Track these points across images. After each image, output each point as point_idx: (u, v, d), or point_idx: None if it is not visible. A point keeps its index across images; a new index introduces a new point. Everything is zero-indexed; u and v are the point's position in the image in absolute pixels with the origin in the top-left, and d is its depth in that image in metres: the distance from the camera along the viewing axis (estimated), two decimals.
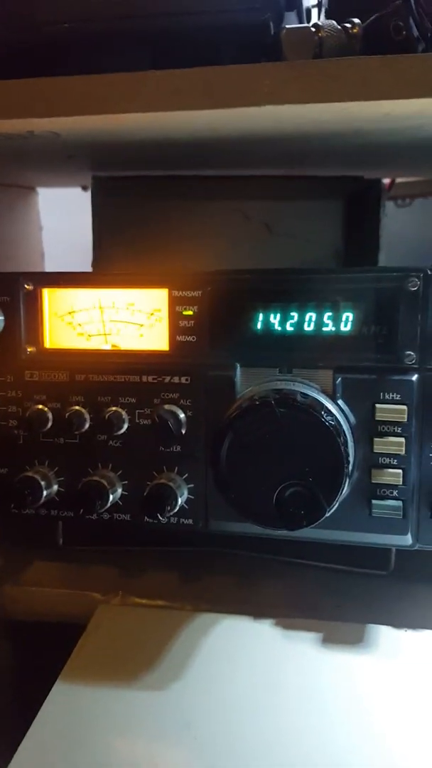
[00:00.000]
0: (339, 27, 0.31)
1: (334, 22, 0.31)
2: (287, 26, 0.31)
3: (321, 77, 0.29)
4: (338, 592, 0.48)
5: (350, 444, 0.37)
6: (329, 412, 0.36)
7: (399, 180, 0.81)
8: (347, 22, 0.31)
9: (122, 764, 0.34)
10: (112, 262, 0.65)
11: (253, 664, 0.41)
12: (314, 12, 0.45)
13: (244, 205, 0.68)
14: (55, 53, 0.33)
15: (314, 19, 0.46)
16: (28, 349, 0.42)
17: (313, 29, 0.30)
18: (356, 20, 0.31)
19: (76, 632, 0.46)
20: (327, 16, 0.36)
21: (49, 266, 0.87)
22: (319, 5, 0.49)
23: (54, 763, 0.35)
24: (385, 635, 0.43)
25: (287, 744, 0.35)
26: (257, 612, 0.45)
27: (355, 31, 0.31)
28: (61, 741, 0.36)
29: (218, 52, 0.31)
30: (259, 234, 0.69)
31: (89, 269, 0.84)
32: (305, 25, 0.30)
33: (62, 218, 0.90)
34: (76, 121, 0.32)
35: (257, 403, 0.36)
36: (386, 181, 0.76)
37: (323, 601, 0.46)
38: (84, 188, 0.84)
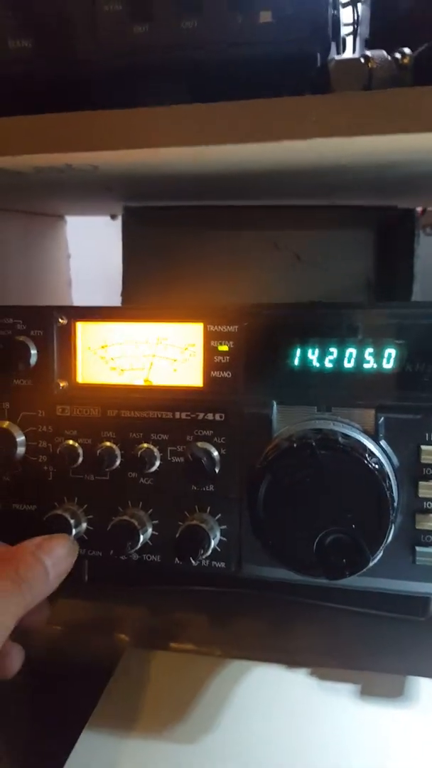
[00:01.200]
0: (389, 58, 0.30)
1: (383, 52, 0.30)
2: (336, 58, 0.30)
3: (371, 109, 0.28)
4: (374, 639, 0.45)
5: (394, 487, 0.35)
6: (372, 454, 0.35)
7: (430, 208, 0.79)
8: (397, 52, 0.30)
9: None
10: (141, 293, 0.64)
11: (286, 717, 0.39)
12: (349, 40, 0.45)
13: (274, 235, 0.67)
14: (94, 87, 0.33)
15: (349, 46, 0.45)
16: (61, 384, 0.42)
17: (362, 60, 0.29)
18: (407, 50, 0.30)
19: (102, 673, 0.44)
20: (369, 45, 0.36)
21: (76, 294, 0.87)
22: (354, 33, 0.48)
23: None
24: (424, 688, 0.40)
25: None
26: (290, 660, 0.43)
27: (405, 61, 0.30)
28: None
29: (263, 84, 0.30)
30: (290, 263, 0.68)
31: (116, 297, 0.84)
32: (355, 56, 0.30)
33: (89, 245, 0.90)
34: (116, 155, 0.32)
35: (296, 444, 0.34)
36: (418, 209, 0.75)
37: (358, 649, 0.44)
38: (113, 217, 0.84)
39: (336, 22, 0.33)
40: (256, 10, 0.29)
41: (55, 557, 0.36)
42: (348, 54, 0.48)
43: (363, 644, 0.45)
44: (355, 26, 0.53)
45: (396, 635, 0.45)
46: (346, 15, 0.51)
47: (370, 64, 0.29)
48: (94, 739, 0.38)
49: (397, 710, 0.39)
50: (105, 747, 0.37)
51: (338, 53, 0.39)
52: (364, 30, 0.42)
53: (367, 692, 0.40)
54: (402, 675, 0.41)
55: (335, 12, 0.33)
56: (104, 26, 0.30)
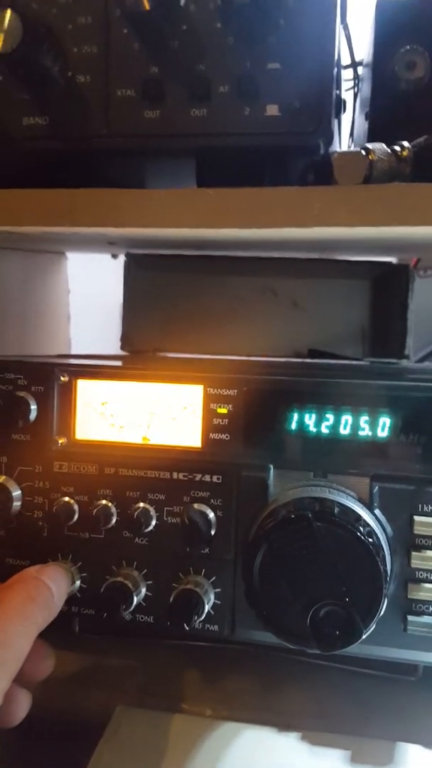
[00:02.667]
0: (389, 150, 0.31)
1: (383, 145, 0.31)
2: (338, 150, 0.31)
3: (371, 203, 0.29)
4: (365, 700, 0.45)
5: (388, 558, 0.36)
6: (367, 525, 0.35)
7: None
8: (397, 145, 0.31)
9: None
10: (141, 338, 0.65)
11: None
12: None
13: (272, 282, 0.68)
14: (105, 165, 0.34)
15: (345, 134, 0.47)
16: (59, 441, 0.42)
17: (363, 153, 0.31)
18: (405, 144, 0.31)
19: (91, 730, 0.44)
20: (370, 135, 0.37)
21: (75, 330, 0.87)
22: (352, 128, 0.50)
23: None
24: (414, 755, 0.40)
25: None
26: (280, 721, 0.43)
27: (404, 154, 0.31)
28: None
29: (267, 171, 0.31)
30: (287, 310, 0.69)
31: (114, 329, 0.84)
32: (356, 149, 0.31)
33: (88, 280, 0.91)
34: (124, 231, 0.33)
35: (293, 515, 0.35)
36: (412, 260, 0.76)
37: (350, 711, 0.44)
38: (114, 256, 0.85)
39: (339, 107, 0.35)
40: (264, 103, 0.30)
41: (56, 581, 0.36)
42: (348, 114, 0.50)
43: (354, 705, 0.45)
44: (356, 86, 0.55)
45: (387, 696, 0.45)
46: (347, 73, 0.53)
47: (370, 156, 0.30)
48: None
49: None
50: None
51: (339, 125, 0.40)
52: (365, 91, 0.44)
53: (359, 760, 0.40)
54: (392, 741, 0.41)
55: (338, 96, 0.35)
56: (117, 109, 0.32)
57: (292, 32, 0.30)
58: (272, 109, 0.30)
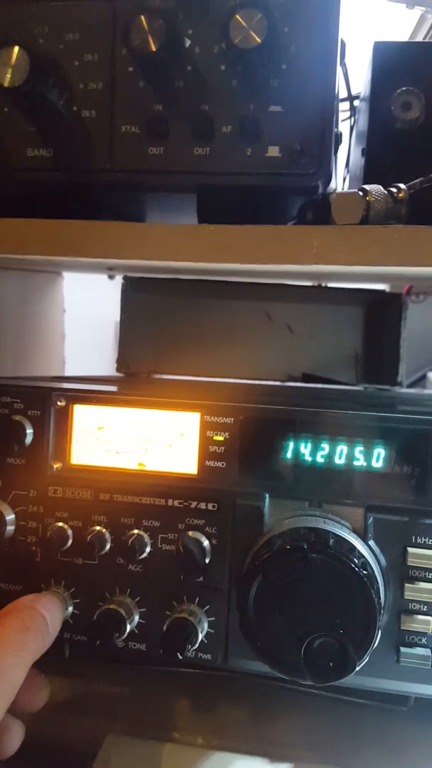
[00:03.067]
0: (385, 192, 0.32)
1: (380, 187, 0.32)
2: (338, 191, 0.32)
3: (368, 243, 0.30)
4: (357, 731, 0.45)
5: (381, 590, 0.36)
6: (362, 557, 0.35)
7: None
8: (393, 187, 0.32)
9: None
10: (136, 360, 0.65)
11: None
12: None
13: (267, 306, 0.69)
14: (108, 198, 0.34)
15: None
16: (54, 466, 0.42)
17: (361, 194, 0.31)
18: (402, 186, 0.32)
19: (80, 759, 0.43)
20: (366, 170, 0.38)
21: (69, 349, 0.87)
22: (347, 159, 0.51)
23: None
24: None
25: None
26: (273, 752, 0.43)
27: (401, 196, 0.32)
28: None
29: (267, 209, 0.32)
30: (281, 333, 0.70)
31: (106, 349, 0.84)
32: (353, 190, 0.32)
33: (83, 298, 0.91)
34: (127, 263, 0.33)
35: (289, 546, 0.35)
36: (404, 287, 0.78)
37: (342, 742, 0.44)
38: (110, 277, 0.86)
39: (337, 143, 0.35)
40: (265, 144, 0.31)
41: (51, 611, 0.36)
42: (344, 143, 0.51)
43: (347, 736, 0.44)
44: (353, 116, 0.56)
45: (379, 726, 0.45)
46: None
47: (368, 198, 0.31)
48: None
49: None
50: None
51: (335, 159, 0.41)
52: (362, 125, 0.45)
53: None
54: None
55: (337, 133, 0.36)
56: (121, 145, 0.32)
57: (293, 76, 0.30)
58: (273, 150, 0.31)
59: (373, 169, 0.38)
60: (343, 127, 0.52)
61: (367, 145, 0.39)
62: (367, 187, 0.31)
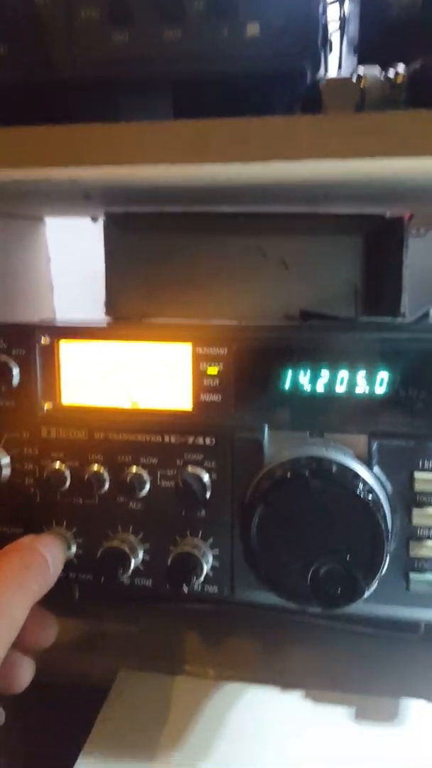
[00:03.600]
0: (381, 77, 0.29)
1: (377, 71, 0.29)
2: (328, 77, 0.29)
3: (363, 131, 0.27)
4: (367, 658, 0.45)
5: (388, 516, 0.35)
6: (366, 483, 0.34)
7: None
8: (390, 70, 0.29)
9: None
10: (125, 303, 0.63)
11: (281, 740, 0.39)
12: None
13: (261, 242, 0.66)
14: (73, 98, 0.31)
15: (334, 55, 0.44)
16: (45, 406, 0.40)
17: (354, 79, 0.29)
18: (400, 69, 0.29)
19: (94, 693, 0.43)
20: (357, 50, 0.35)
21: (58, 300, 0.85)
22: (341, 30, 0.47)
23: None
24: (418, 710, 0.40)
25: None
26: (284, 681, 0.43)
27: (399, 80, 0.29)
28: None
29: (251, 100, 0.29)
30: (276, 271, 0.67)
31: (99, 301, 0.82)
32: (346, 76, 0.29)
33: (70, 247, 0.88)
34: (96, 171, 0.31)
35: (289, 474, 0.34)
36: (406, 214, 0.74)
37: (353, 670, 0.44)
38: (93, 219, 0.82)
39: (325, 32, 0.32)
40: (243, 22, 0.28)
41: (52, 551, 0.35)
42: (335, 53, 0.47)
43: (357, 664, 0.44)
44: (342, 23, 0.52)
45: (389, 653, 0.45)
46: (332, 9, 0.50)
47: (362, 83, 0.28)
48: (91, 763, 0.37)
49: (391, 733, 0.38)
50: None
51: (325, 60, 0.38)
52: (352, 29, 0.41)
53: (362, 716, 0.40)
54: (396, 697, 0.41)
55: (324, 20, 0.32)
56: (81, 33, 0.29)
57: None
58: (253, 29, 0.27)
59: (366, 63, 0.34)
60: (334, 40, 0.48)
61: (360, 38, 0.36)
62: (361, 71, 0.29)
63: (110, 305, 0.63)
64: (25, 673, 0.36)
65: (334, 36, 0.40)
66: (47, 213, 0.81)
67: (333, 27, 0.37)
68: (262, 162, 0.29)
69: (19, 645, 0.34)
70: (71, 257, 0.88)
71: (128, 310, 0.63)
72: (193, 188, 0.41)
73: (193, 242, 0.65)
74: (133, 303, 0.63)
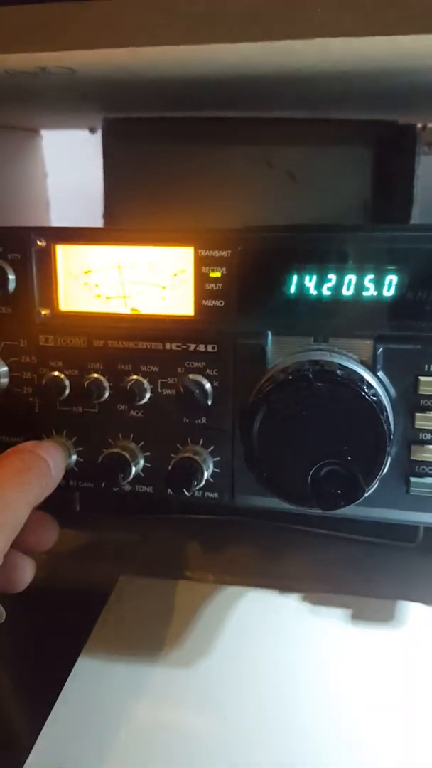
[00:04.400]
0: None
1: None
2: None
3: (381, 5, 0.25)
4: (364, 565, 0.46)
5: (391, 419, 0.34)
6: (370, 386, 0.34)
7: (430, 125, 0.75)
8: None
9: (153, 740, 0.34)
10: (124, 213, 0.61)
11: (279, 640, 0.40)
12: None
13: (267, 151, 0.63)
14: None
15: None
16: (42, 312, 0.39)
17: None
18: None
19: (94, 599, 0.45)
20: None
21: (55, 217, 0.82)
22: None
23: (79, 739, 0.34)
24: (414, 612, 0.41)
25: (317, 720, 0.34)
26: (282, 585, 0.44)
27: None
28: (88, 714, 0.35)
29: None
30: (283, 183, 0.64)
31: (98, 220, 0.79)
32: None
33: (67, 162, 0.85)
34: (94, 55, 0.28)
35: (292, 376, 0.33)
36: (419, 125, 0.70)
37: (351, 575, 0.45)
38: (92, 130, 0.78)
39: None
40: None
41: (53, 456, 0.36)
42: None
43: (355, 570, 0.46)
44: None
45: (388, 560, 0.46)
46: None
47: None
48: (91, 663, 0.39)
49: (387, 633, 0.40)
50: (102, 670, 0.38)
51: None
52: None
53: (360, 616, 0.41)
54: (393, 600, 0.42)
55: None
56: None
57: None
58: None
59: None
60: None
61: None
62: None
63: (108, 216, 0.61)
64: (25, 573, 0.37)
65: None
66: (44, 124, 0.78)
67: None
68: (270, 41, 0.27)
69: (20, 545, 0.34)
70: (67, 173, 0.84)
71: (127, 221, 0.61)
72: (195, 79, 0.38)
73: (195, 151, 0.62)
74: (132, 214, 0.60)
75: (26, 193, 0.79)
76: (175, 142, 0.61)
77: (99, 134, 0.69)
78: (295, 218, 0.64)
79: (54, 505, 0.47)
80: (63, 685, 0.38)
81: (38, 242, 0.38)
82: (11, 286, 0.39)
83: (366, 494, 0.33)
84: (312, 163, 0.63)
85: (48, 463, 0.35)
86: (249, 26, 0.26)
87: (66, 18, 0.28)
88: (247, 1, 0.26)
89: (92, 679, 0.38)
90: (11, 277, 0.38)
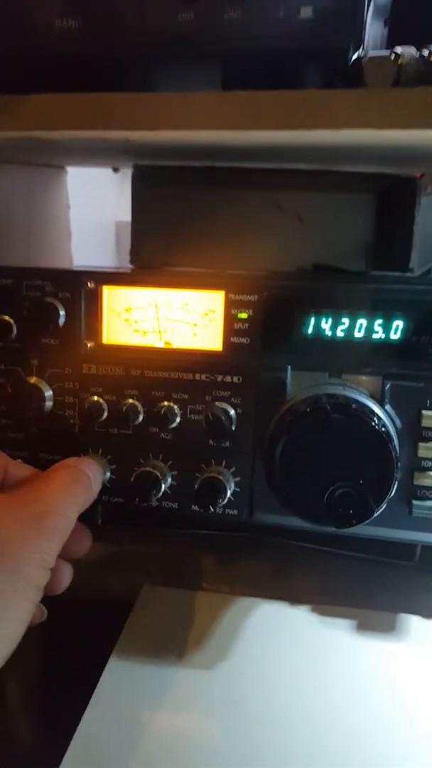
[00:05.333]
0: (416, 55, 0.32)
1: (413, 49, 0.32)
2: (370, 54, 0.31)
3: (400, 105, 0.30)
4: (367, 581, 0.51)
5: (397, 448, 0.39)
6: (379, 418, 0.38)
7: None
8: (425, 49, 0.32)
9: (179, 737, 0.37)
10: (149, 252, 0.66)
11: (290, 647, 0.44)
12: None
13: (278, 196, 0.69)
14: (136, 68, 0.34)
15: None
16: (88, 344, 0.44)
17: (392, 57, 0.31)
18: None
19: (117, 608, 0.48)
20: (389, 41, 0.37)
21: (75, 247, 0.87)
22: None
23: (112, 737, 0.38)
24: (415, 624, 0.46)
25: (324, 720, 0.38)
26: (292, 598, 0.48)
27: None
28: (118, 717, 0.39)
29: (296, 74, 0.32)
30: (292, 224, 0.70)
31: (109, 246, 0.84)
32: (385, 52, 0.31)
33: (87, 195, 0.90)
34: (154, 134, 0.34)
35: (312, 408, 0.38)
36: (417, 174, 0.76)
37: (355, 590, 0.49)
38: (115, 170, 0.84)
39: (366, 12, 0.34)
40: (297, 5, 0.30)
41: (93, 472, 0.40)
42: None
43: (359, 586, 0.50)
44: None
45: (388, 577, 0.51)
46: None
47: (400, 61, 0.31)
48: (119, 667, 0.42)
49: (390, 643, 0.44)
50: (130, 674, 0.42)
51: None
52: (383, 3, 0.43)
53: (364, 627, 0.45)
54: (394, 613, 0.46)
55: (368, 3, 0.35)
56: (151, 11, 0.31)
57: None
58: (306, 11, 0.30)
59: (396, 37, 0.37)
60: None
61: (391, 12, 0.38)
62: (398, 50, 0.31)
63: (135, 253, 0.66)
64: (65, 576, 0.40)
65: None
66: (71, 163, 0.83)
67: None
68: (305, 129, 0.32)
69: (62, 551, 0.38)
70: (87, 206, 0.89)
71: (151, 259, 0.66)
72: (235, 148, 0.43)
73: (213, 196, 0.68)
74: (156, 252, 0.65)
75: (51, 223, 0.84)
76: (195, 187, 0.67)
77: (120, 173, 0.74)
78: (302, 258, 0.69)
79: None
80: (87, 683, 0.41)
81: (88, 284, 0.43)
82: (61, 321, 0.43)
83: (375, 514, 0.38)
84: (319, 207, 0.69)
85: (90, 477, 0.40)
86: (289, 118, 0.31)
87: (130, 103, 0.33)
88: (289, 97, 0.31)
89: (123, 677, 0.41)
90: (62, 313, 0.43)
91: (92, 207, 0.95)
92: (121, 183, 0.82)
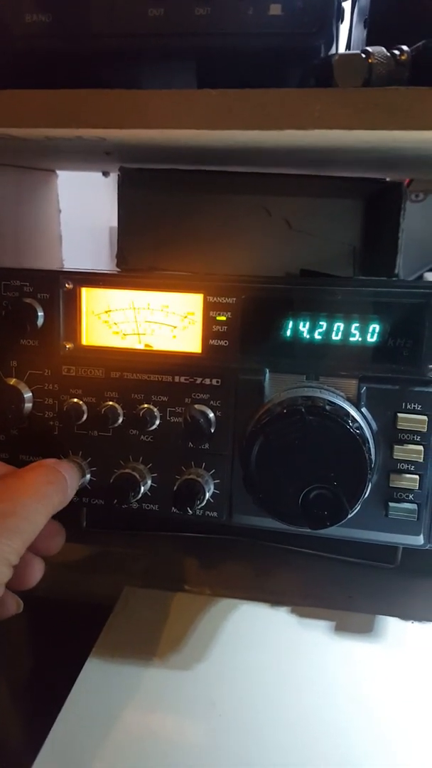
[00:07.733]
0: (388, 54, 0.32)
1: (383, 49, 0.32)
2: (340, 53, 0.32)
3: (370, 105, 0.30)
4: (348, 584, 0.51)
5: (372, 450, 0.39)
6: (354, 420, 0.39)
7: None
8: (396, 49, 0.32)
9: (154, 738, 0.37)
10: (135, 255, 0.66)
11: (269, 649, 0.44)
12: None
13: (266, 201, 0.69)
14: (105, 65, 0.34)
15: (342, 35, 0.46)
16: (66, 346, 0.44)
17: (363, 56, 0.32)
18: (405, 48, 0.32)
19: (99, 610, 0.48)
20: (368, 39, 0.38)
21: (70, 252, 0.88)
22: (349, 39, 0.49)
23: (88, 737, 0.37)
24: (392, 626, 0.46)
25: (301, 722, 0.38)
26: (272, 599, 0.48)
27: (403, 58, 0.32)
28: (94, 717, 0.39)
29: (267, 73, 0.32)
30: (280, 229, 0.70)
31: (101, 251, 0.84)
32: (356, 51, 0.32)
33: (78, 199, 0.91)
34: (126, 133, 0.34)
35: (287, 410, 0.38)
36: (405, 180, 0.77)
37: (335, 592, 0.49)
38: (105, 174, 0.84)
39: (339, 11, 0.35)
40: (266, 2, 0.31)
41: (70, 474, 0.40)
42: (345, 23, 0.49)
43: (339, 588, 0.50)
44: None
45: (370, 580, 0.51)
46: None
47: (370, 60, 0.31)
48: (97, 667, 0.42)
49: (367, 645, 0.44)
50: (108, 674, 0.42)
51: (337, 35, 0.40)
52: (363, 4, 0.43)
53: (342, 629, 0.45)
54: (372, 615, 0.46)
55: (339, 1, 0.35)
56: (121, 6, 0.32)
57: None
58: (275, 9, 0.30)
59: (375, 38, 0.37)
60: (346, 7, 0.50)
61: (370, 13, 0.38)
62: (369, 49, 0.31)
63: (121, 256, 0.66)
64: (36, 571, 0.41)
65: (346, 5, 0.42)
66: (59, 166, 0.83)
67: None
68: (276, 129, 0.32)
69: (33, 547, 0.38)
70: (78, 209, 0.90)
71: (137, 263, 0.66)
72: (208, 149, 0.44)
73: (201, 200, 0.68)
74: (142, 255, 0.66)
75: (41, 227, 0.85)
76: (183, 191, 0.67)
77: (110, 177, 0.74)
78: (290, 263, 0.70)
79: (62, 522, 0.52)
80: (67, 683, 0.41)
81: (66, 285, 0.43)
82: (40, 321, 0.43)
83: (349, 516, 0.38)
84: (307, 212, 0.69)
85: (66, 479, 0.40)
86: (260, 117, 0.31)
87: (105, 101, 0.33)
88: (260, 96, 0.31)
89: (99, 682, 0.41)
90: (40, 314, 0.43)
91: (87, 212, 0.96)
92: (116, 188, 0.83)
